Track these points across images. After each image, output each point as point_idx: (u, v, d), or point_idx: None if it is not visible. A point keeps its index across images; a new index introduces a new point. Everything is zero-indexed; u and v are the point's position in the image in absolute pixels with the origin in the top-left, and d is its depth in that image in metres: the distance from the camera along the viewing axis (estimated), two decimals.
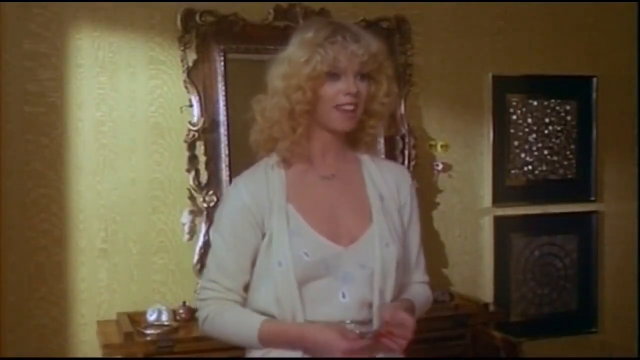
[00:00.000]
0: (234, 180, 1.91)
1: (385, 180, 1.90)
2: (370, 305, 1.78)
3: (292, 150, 1.82)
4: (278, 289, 1.76)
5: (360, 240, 1.81)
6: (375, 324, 1.77)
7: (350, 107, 1.78)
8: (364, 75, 1.79)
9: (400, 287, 1.86)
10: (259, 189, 1.82)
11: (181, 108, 2.90)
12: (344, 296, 1.77)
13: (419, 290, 1.94)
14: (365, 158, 1.92)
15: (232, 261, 1.83)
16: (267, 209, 1.80)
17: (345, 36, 1.77)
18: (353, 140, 1.90)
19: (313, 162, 1.86)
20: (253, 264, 1.83)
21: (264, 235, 1.80)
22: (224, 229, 1.85)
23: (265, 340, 1.77)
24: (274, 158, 1.86)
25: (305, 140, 1.82)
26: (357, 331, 1.72)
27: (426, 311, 1.98)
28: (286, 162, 1.85)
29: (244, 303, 1.84)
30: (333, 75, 1.77)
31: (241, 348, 1.87)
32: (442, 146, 3.22)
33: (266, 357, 1.80)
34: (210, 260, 1.89)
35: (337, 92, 1.77)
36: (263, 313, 1.79)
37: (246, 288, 1.84)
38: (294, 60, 1.78)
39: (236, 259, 1.83)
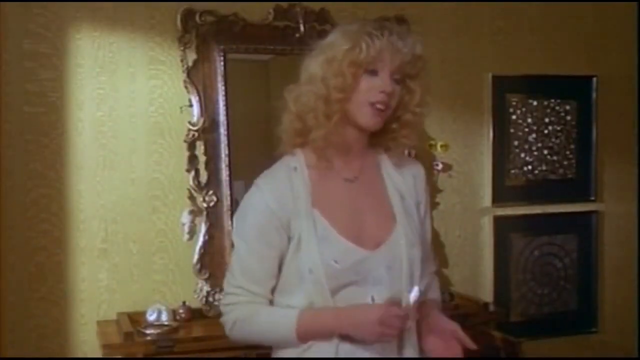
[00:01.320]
0: (255, 182, 1.85)
1: (404, 179, 1.90)
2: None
3: (328, 139, 1.79)
4: (311, 296, 1.75)
5: (387, 243, 1.80)
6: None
7: (382, 106, 1.77)
8: (399, 80, 1.79)
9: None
10: (283, 192, 1.79)
11: (181, 108, 2.90)
12: (372, 299, 1.77)
13: (434, 286, 1.97)
14: (383, 157, 1.91)
15: (258, 266, 1.80)
16: (292, 212, 1.77)
17: (392, 32, 1.76)
18: (381, 146, 1.90)
19: (336, 164, 1.84)
20: (280, 267, 1.80)
21: (289, 239, 1.78)
22: (248, 233, 1.81)
23: (303, 332, 1.75)
24: (295, 159, 1.84)
25: (342, 128, 1.79)
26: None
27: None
28: (316, 157, 1.82)
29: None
30: (371, 71, 1.76)
31: (241, 348, 1.87)
32: (442, 146, 3.22)
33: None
34: (234, 265, 1.84)
35: (372, 88, 1.76)
36: None
37: (273, 291, 1.82)
38: (337, 46, 1.76)
39: (262, 264, 1.79)
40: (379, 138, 1.87)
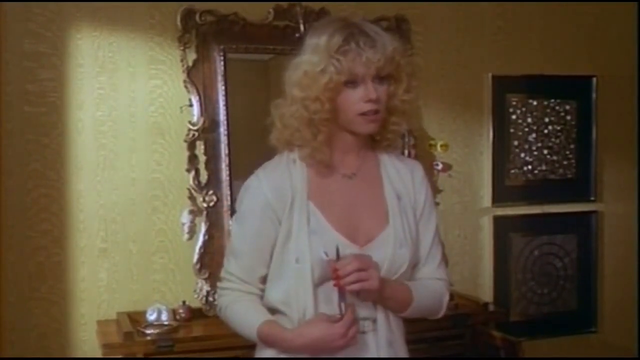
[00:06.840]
0: (255, 172, 1.87)
1: (402, 179, 1.90)
2: (374, 303, 1.80)
3: (313, 156, 1.81)
4: (292, 286, 1.77)
5: (376, 240, 1.81)
6: (379, 320, 1.80)
7: (372, 113, 1.77)
8: (382, 78, 1.78)
9: None
10: (281, 184, 1.81)
11: (181, 108, 2.90)
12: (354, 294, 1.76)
13: (427, 283, 1.89)
14: (384, 157, 1.91)
15: (250, 254, 1.83)
16: (287, 204, 1.79)
17: (359, 42, 1.74)
18: (375, 138, 1.89)
19: (334, 159, 1.84)
20: (271, 257, 1.83)
21: (281, 229, 1.79)
22: (244, 221, 1.85)
23: (264, 341, 1.80)
24: (294, 153, 1.85)
25: (327, 146, 1.80)
26: (337, 315, 1.73)
27: (439, 307, 1.92)
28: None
29: (262, 295, 1.85)
30: (351, 82, 1.75)
31: (241, 348, 1.88)
32: (442, 146, 3.22)
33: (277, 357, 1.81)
34: (228, 251, 1.91)
35: (358, 99, 1.76)
36: (274, 308, 1.81)
37: (264, 280, 1.85)
38: (309, 69, 1.75)
39: (254, 252, 1.83)
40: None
